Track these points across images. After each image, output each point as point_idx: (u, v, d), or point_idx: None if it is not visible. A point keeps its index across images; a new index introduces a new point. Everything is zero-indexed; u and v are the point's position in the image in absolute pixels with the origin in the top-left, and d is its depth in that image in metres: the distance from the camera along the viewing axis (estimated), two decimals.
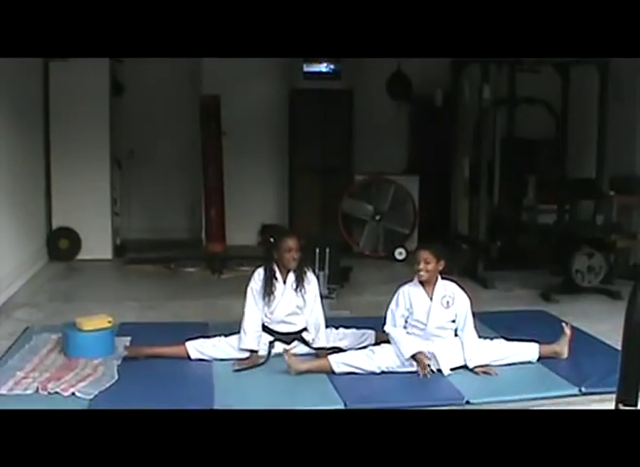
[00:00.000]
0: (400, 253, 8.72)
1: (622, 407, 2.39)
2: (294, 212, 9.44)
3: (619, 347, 2.45)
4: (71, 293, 6.98)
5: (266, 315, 4.87)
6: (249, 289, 4.89)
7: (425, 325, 4.66)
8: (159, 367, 4.69)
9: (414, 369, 4.53)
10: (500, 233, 8.00)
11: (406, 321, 4.70)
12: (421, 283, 4.73)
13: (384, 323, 4.75)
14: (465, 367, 4.66)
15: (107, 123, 8.44)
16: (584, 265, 6.80)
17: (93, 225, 8.44)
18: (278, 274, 4.88)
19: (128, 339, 5.15)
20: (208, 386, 4.37)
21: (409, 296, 4.71)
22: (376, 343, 4.86)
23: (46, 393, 4.19)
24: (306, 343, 4.90)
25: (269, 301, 4.83)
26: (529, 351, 4.81)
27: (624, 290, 5.57)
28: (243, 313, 4.87)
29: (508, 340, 4.92)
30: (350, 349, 4.83)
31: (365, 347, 4.82)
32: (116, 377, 4.46)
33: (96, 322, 4.91)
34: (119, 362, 4.72)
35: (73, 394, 4.16)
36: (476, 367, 4.62)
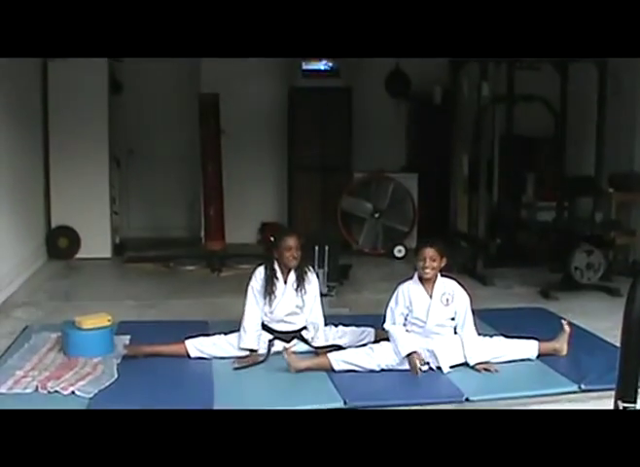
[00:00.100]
0: (399, 251, 8.72)
1: (621, 404, 2.39)
2: (293, 210, 9.45)
3: (618, 344, 2.46)
4: (70, 292, 6.98)
5: (265, 314, 4.87)
6: (249, 288, 4.89)
7: (425, 323, 4.67)
8: (158, 365, 4.69)
9: (421, 364, 4.53)
10: (499, 230, 8.01)
11: (405, 319, 4.71)
12: (421, 281, 4.72)
13: (384, 321, 4.75)
14: (464, 364, 4.66)
15: (106, 121, 8.44)
16: (583, 262, 6.80)
17: (93, 223, 8.43)
18: (279, 274, 4.88)
19: (128, 337, 5.15)
20: (208, 385, 4.37)
21: (409, 294, 4.71)
22: (376, 341, 4.86)
23: (45, 392, 4.19)
24: (306, 342, 4.90)
25: (270, 300, 4.83)
26: (528, 349, 4.81)
27: (623, 287, 5.56)
28: (243, 312, 4.87)
29: (507, 337, 4.92)
30: (350, 347, 4.84)
31: (364, 345, 4.81)
32: (115, 376, 4.46)
33: (96, 321, 4.91)
34: (118, 361, 4.72)
35: (73, 393, 4.17)
36: (477, 364, 4.62)
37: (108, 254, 8.59)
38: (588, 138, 7.85)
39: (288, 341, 4.84)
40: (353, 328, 5.10)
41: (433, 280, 4.71)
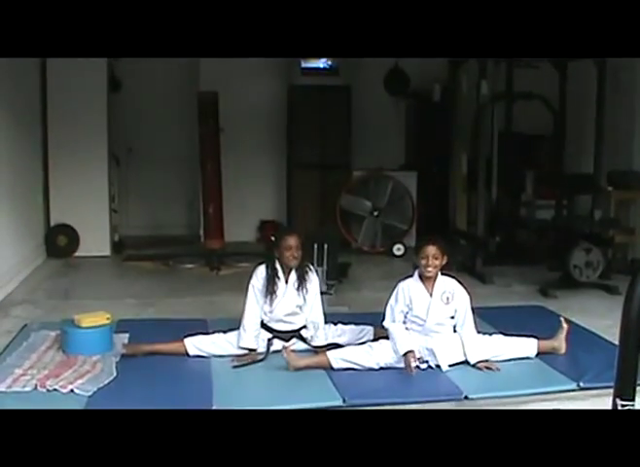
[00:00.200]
0: (398, 249, 8.73)
1: (619, 402, 2.39)
2: (292, 208, 9.46)
3: (616, 342, 2.45)
4: (69, 290, 6.98)
5: (265, 313, 4.87)
6: (250, 286, 4.88)
7: (424, 321, 4.66)
8: (157, 364, 4.69)
9: (416, 364, 4.53)
10: (498, 228, 8.02)
11: (405, 317, 4.70)
12: (421, 279, 4.72)
13: (383, 319, 4.75)
14: (464, 363, 4.66)
15: (105, 119, 8.44)
16: (582, 260, 6.80)
17: (92, 222, 8.44)
18: (281, 273, 4.87)
19: (127, 335, 5.15)
20: (207, 383, 4.37)
21: (409, 291, 4.70)
22: (375, 339, 4.86)
23: (44, 390, 4.18)
24: (305, 341, 4.89)
25: (271, 299, 4.82)
26: (528, 347, 4.81)
27: (622, 285, 5.57)
28: (243, 310, 4.86)
29: (506, 335, 4.92)
30: (349, 345, 4.83)
31: (363, 343, 4.81)
32: (114, 374, 4.46)
33: (95, 319, 4.91)
34: (117, 359, 4.72)
35: (72, 391, 4.16)
36: (477, 362, 4.62)
37: (107, 252, 8.59)
38: (587, 136, 7.86)
39: (287, 340, 4.83)
40: (352, 326, 5.10)
41: (433, 278, 4.71)
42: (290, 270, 4.87)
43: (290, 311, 4.86)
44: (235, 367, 4.67)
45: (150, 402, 3.96)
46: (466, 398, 4.20)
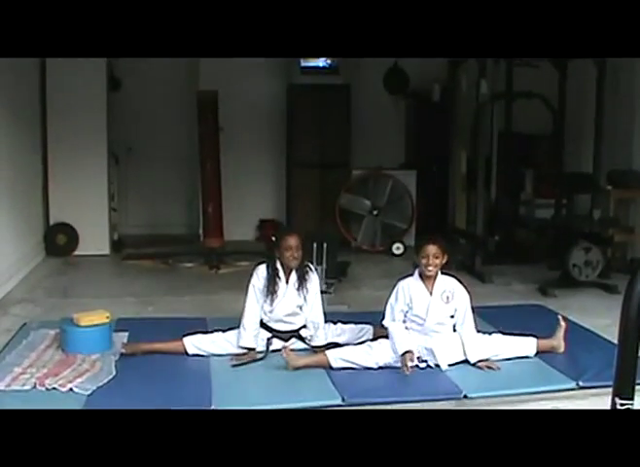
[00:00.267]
0: (397, 248, 8.73)
1: (618, 401, 2.39)
2: (291, 207, 9.46)
3: (615, 341, 2.45)
4: (69, 288, 6.98)
5: (265, 313, 4.86)
6: (251, 286, 4.86)
7: (424, 320, 4.65)
8: (156, 362, 4.69)
9: (412, 364, 4.53)
10: (497, 227, 8.02)
11: (405, 316, 4.69)
12: (421, 278, 4.71)
13: (383, 318, 4.74)
14: (464, 362, 4.66)
15: (104, 118, 8.44)
16: (581, 259, 6.80)
17: (91, 220, 8.44)
18: (282, 273, 4.86)
19: (126, 334, 5.15)
20: (206, 382, 4.37)
21: (409, 290, 4.69)
22: (374, 339, 4.86)
23: (43, 389, 4.18)
24: (304, 341, 4.89)
25: (272, 299, 4.81)
26: (527, 346, 4.81)
27: (621, 284, 5.56)
28: (243, 310, 4.85)
29: (505, 334, 4.92)
30: (348, 345, 4.83)
31: (363, 343, 4.81)
32: (113, 373, 4.46)
33: (94, 318, 4.91)
34: (116, 357, 4.72)
35: (71, 390, 4.16)
36: (478, 362, 4.62)
37: (106, 251, 8.59)
38: (587, 135, 7.86)
39: (286, 340, 4.83)
40: (351, 326, 5.10)
41: (434, 277, 4.70)
42: (291, 271, 4.86)
43: (290, 312, 4.85)
44: (234, 366, 4.67)
45: (149, 401, 3.96)
46: (465, 397, 4.20)
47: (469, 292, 4.80)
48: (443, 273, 4.76)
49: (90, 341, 4.85)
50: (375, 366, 4.57)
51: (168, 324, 5.44)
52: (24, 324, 5.50)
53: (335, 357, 4.57)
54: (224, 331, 4.91)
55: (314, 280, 4.92)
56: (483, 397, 4.21)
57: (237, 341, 4.80)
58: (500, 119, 8.31)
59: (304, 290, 4.84)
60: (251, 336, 4.79)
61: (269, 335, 4.86)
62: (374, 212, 8.88)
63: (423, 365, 4.59)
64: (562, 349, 4.87)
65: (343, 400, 4.10)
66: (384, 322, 4.70)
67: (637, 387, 2.43)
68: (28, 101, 8.02)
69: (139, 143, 9.69)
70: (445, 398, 4.19)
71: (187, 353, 4.80)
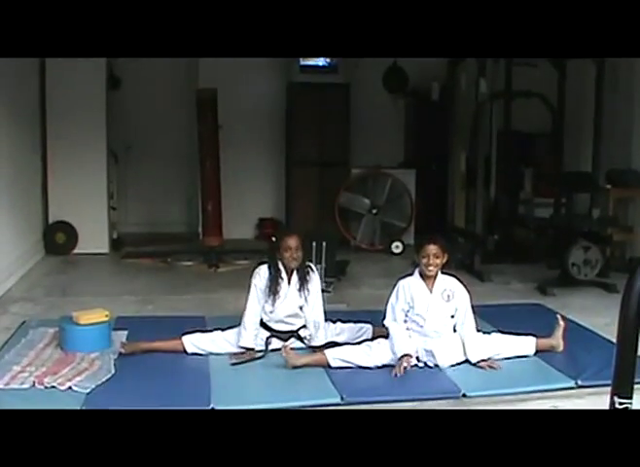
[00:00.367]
0: (397, 246, 8.73)
1: (617, 400, 2.39)
2: (291, 206, 9.46)
3: (614, 340, 2.46)
4: (68, 287, 6.97)
5: (265, 313, 4.85)
6: (253, 286, 4.84)
7: (425, 319, 4.64)
8: (155, 361, 4.68)
9: (409, 366, 4.52)
10: (497, 226, 8.03)
11: (406, 315, 4.67)
12: (422, 277, 4.71)
13: (384, 317, 4.73)
14: (464, 362, 4.65)
15: (104, 116, 8.44)
16: (580, 258, 6.80)
17: (90, 219, 8.43)
18: (284, 274, 4.85)
19: (125, 333, 5.15)
20: (205, 381, 4.36)
21: (410, 289, 4.68)
22: (373, 338, 4.85)
23: (42, 387, 4.18)
24: (302, 341, 4.88)
25: (273, 300, 4.80)
26: (526, 346, 4.80)
27: (620, 283, 5.57)
28: (245, 310, 4.83)
29: (504, 333, 4.92)
30: (347, 344, 4.83)
31: (362, 342, 4.80)
32: (112, 372, 4.46)
33: (93, 316, 4.91)
34: (115, 356, 4.72)
35: (70, 388, 4.16)
36: (479, 361, 4.61)
37: (106, 249, 8.59)
38: (586, 135, 7.86)
39: (285, 340, 4.83)
40: (351, 325, 5.09)
41: (434, 277, 4.70)
42: (292, 271, 4.85)
43: (291, 312, 4.84)
44: (233, 364, 4.66)
45: (148, 399, 3.96)
46: (464, 396, 4.20)
47: (468, 291, 4.80)
48: (443, 273, 4.76)
49: (90, 340, 4.85)
50: (374, 366, 4.56)
51: (167, 323, 5.44)
52: (23, 322, 5.50)
53: (333, 357, 4.56)
54: (223, 330, 4.91)
55: (315, 281, 4.90)
56: (482, 396, 4.21)
57: (237, 341, 4.80)
58: (499, 118, 8.32)
59: (306, 291, 4.83)
60: (251, 336, 4.79)
61: (268, 334, 4.86)
62: (374, 211, 8.88)
63: (421, 364, 4.59)
64: (561, 348, 4.87)
65: (342, 399, 4.09)
66: (385, 322, 4.69)
67: (636, 386, 2.43)
68: (28, 100, 8.02)
69: (138, 141, 9.69)
70: (444, 397, 4.18)
71: (186, 352, 4.80)
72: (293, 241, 4.79)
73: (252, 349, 4.78)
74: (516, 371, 4.60)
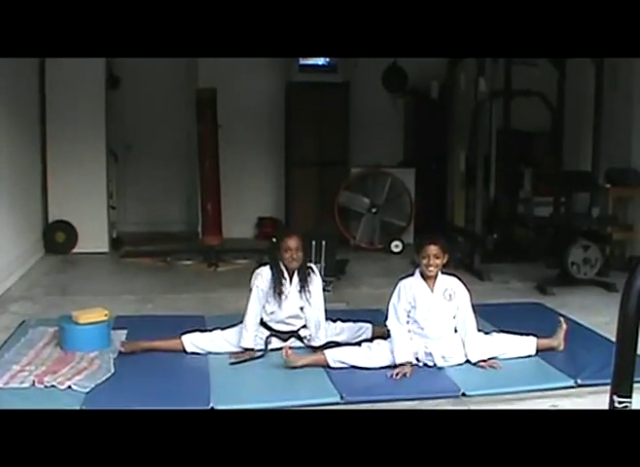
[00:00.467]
0: (396, 246, 8.73)
1: (616, 399, 2.39)
2: (290, 205, 9.46)
3: (614, 339, 2.46)
4: (67, 286, 6.97)
5: (266, 314, 4.84)
6: (254, 287, 4.81)
7: (427, 320, 4.63)
8: (155, 360, 4.68)
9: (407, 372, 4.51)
10: (496, 225, 8.03)
11: (408, 316, 4.65)
12: (422, 277, 4.70)
13: (386, 318, 4.70)
14: (466, 362, 4.65)
15: (103, 116, 8.43)
16: (579, 257, 6.80)
17: (90, 218, 8.43)
18: (286, 275, 4.83)
19: (125, 332, 5.15)
20: (205, 380, 4.36)
21: (412, 289, 4.66)
22: (373, 338, 4.85)
23: (42, 387, 4.18)
24: (302, 341, 4.88)
25: (276, 301, 4.79)
26: (527, 347, 4.78)
27: (620, 282, 5.59)
28: (246, 310, 4.80)
29: (504, 332, 4.91)
30: (347, 343, 4.82)
31: (362, 342, 4.79)
32: (112, 371, 4.46)
33: (93, 315, 4.91)
34: (115, 355, 4.72)
35: (69, 387, 4.16)
36: (480, 361, 4.61)
37: (105, 249, 8.59)
38: (585, 133, 7.86)
39: (285, 340, 4.83)
40: (350, 324, 5.08)
41: (434, 277, 4.69)
42: (293, 272, 4.84)
43: (292, 314, 4.84)
44: (233, 363, 4.66)
45: (147, 399, 3.96)
46: (463, 395, 4.20)
47: (468, 290, 4.80)
48: (443, 273, 4.75)
49: (89, 339, 4.85)
50: (373, 368, 4.55)
51: (167, 322, 5.44)
52: (23, 322, 5.50)
53: (333, 358, 4.54)
54: (222, 329, 4.90)
55: (317, 282, 4.89)
56: (482, 395, 4.21)
57: (238, 342, 4.79)
58: (499, 117, 8.31)
59: (307, 293, 4.82)
60: (251, 336, 4.78)
61: (268, 333, 4.85)
62: (373, 210, 8.88)
63: (421, 364, 4.59)
64: (562, 348, 4.86)
65: (342, 398, 4.10)
66: (388, 322, 4.64)
67: (635, 385, 2.43)
68: (27, 99, 8.01)
69: (138, 141, 9.70)
70: (444, 396, 4.19)
71: (185, 351, 4.80)
72: (293, 242, 4.78)
73: (252, 349, 4.78)
74: (516, 370, 4.60)
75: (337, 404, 4.05)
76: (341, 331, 5.02)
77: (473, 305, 4.78)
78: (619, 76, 7.86)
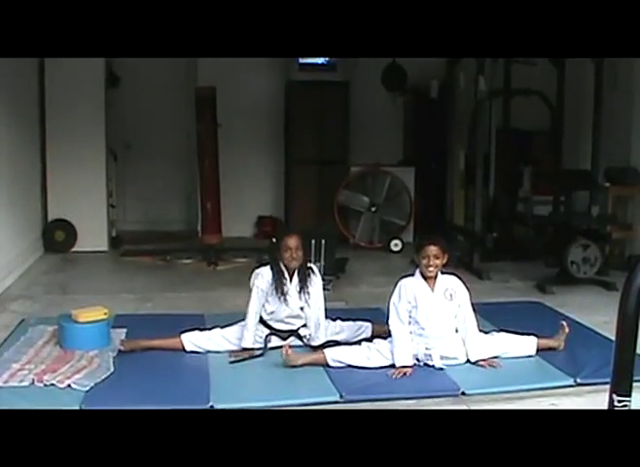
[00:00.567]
0: (396, 244, 8.73)
1: (616, 398, 2.39)
2: (290, 204, 9.46)
3: (613, 338, 2.46)
4: (67, 285, 6.97)
5: (266, 313, 4.84)
6: (255, 287, 4.81)
7: (428, 320, 4.62)
8: (154, 359, 4.69)
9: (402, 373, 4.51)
10: (496, 224, 8.03)
11: (409, 315, 4.64)
12: (423, 277, 4.69)
13: (387, 317, 4.69)
14: (467, 362, 4.65)
15: (103, 115, 8.44)
16: (579, 256, 6.80)
17: (89, 217, 8.44)
18: (287, 275, 4.83)
19: (124, 330, 5.15)
20: (204, 379, 4.36)
21: (412, 288, 4.65)
22: (372, 337, 4.84)
23: (41, 385, 4.18)
24: (302, 340, 4.87)
25: (284, 301, 4.79)
26: (527, 347, 4.78)
27: (619, 281, 5.57)
28: (247, 311, 4.80)
29: (504, 331, 4.91)
30: (346, 342, 4.82)
31: (361, 341, 4.79)
32: (111, 369, 4.46)
33: (92, 314, 4.91)
34: (114, 354, 4.72)
35: (69, 386, 4.16)
36: (479, 360, 4.61)
37: (105, 247, 8.60)
38: (585, 132, 7.86)
39: (285, 339, 4.83)
40: (350, 323, 5.07)
41: (434, 277, 4.69)
42: (293, 272, 4.83)
43: (293, 313, 4.84)
44: (232, 362, 4.66)
45: (147, 398, 3.97)
46: (463, 394, 4.20)
47: (468, 289, 4.80)
48: (443, 273, 4.74)
49: (89, 338, 4.85)
50: (372, 368, 4.55)
51: (166, 320, 5.44)
52: (22, 320, 5.50)
53: (332, 358, 4.54)
54: (222, 327, 4.91)
55: (317, 283, 4.89)
56: (481, 394, 4.21)
57: (240, 342, 4.78)
58: (498, 115, 8.32)
59: (307, 293, 4.82)
60: (252, 336, 4.78)
61: (268, 331, 4.85)
62: (373, 209, 8.89)
63: (421, 364, 4.59)
64: (562, 349, 4.86)
65: (341, 397, 4.10)
66: (390, 322, 4.62)
67: (635, 384, 2.43)
68: (27, 98, 8.01)
69: (137, 140, 9.70)
70: (443, 395, 4.19)
71: (184, 350, 4.80)
72: (293, 241, 4.78)
73: (252, 349, 4.78)
74: (515, 369, 4.60)
75: (337, 403, 4.05)
76: (341, 330, 5.02)
77: (472, 304, 4.78)
78: (618, 75, 7.86)
